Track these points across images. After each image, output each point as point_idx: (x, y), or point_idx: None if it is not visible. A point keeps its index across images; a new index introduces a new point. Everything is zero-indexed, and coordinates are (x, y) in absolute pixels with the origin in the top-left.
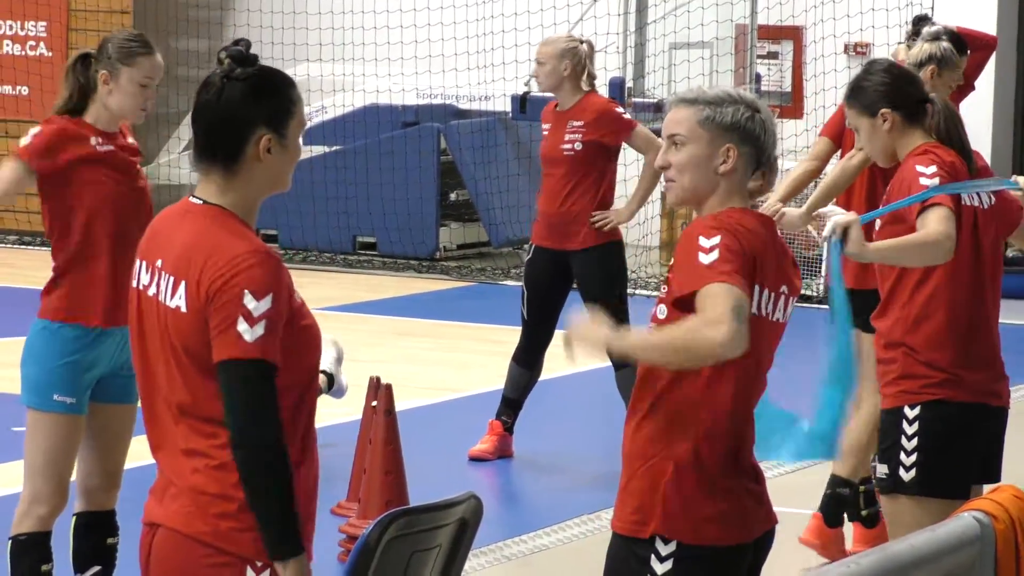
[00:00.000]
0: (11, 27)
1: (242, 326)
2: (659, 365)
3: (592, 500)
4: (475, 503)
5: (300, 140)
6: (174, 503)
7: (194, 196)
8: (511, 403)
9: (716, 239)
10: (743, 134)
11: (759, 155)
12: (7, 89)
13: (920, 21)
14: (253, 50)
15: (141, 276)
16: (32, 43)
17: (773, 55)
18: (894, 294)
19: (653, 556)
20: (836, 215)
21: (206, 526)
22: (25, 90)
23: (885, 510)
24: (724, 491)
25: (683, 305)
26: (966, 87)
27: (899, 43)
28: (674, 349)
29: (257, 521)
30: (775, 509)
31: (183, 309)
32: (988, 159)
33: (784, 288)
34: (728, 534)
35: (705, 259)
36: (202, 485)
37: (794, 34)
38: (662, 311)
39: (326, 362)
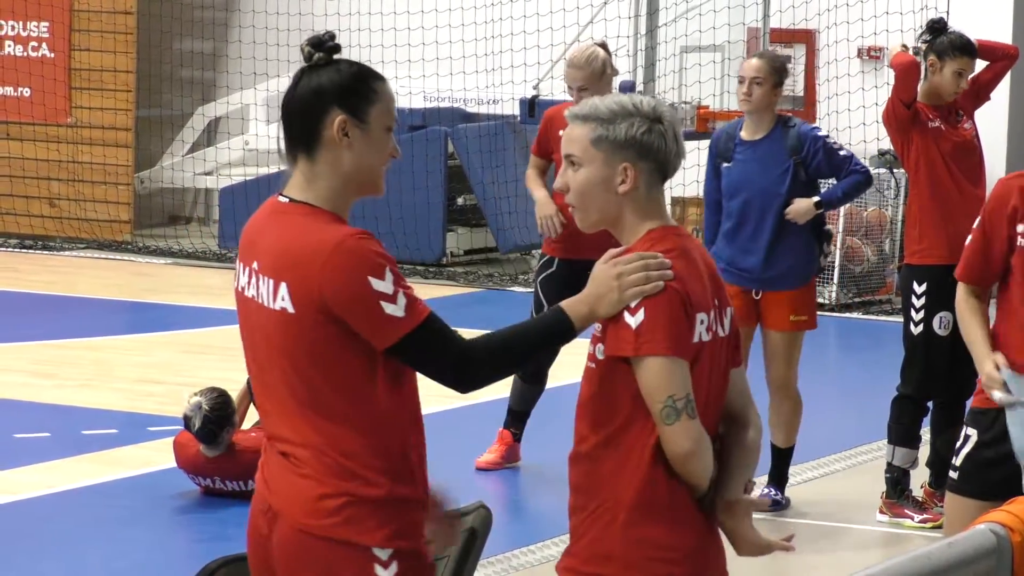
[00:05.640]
0: (13, 27)
1: (388, 308)
2: None
3: None
4: (484, 513)
5: (392, 137)
6: (291, 492)
7: (282, 195)
8: (518, 416)
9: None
10: (640, 149)
11: (663, 168)
12: (9, 91)
13: (935, 24)
14: (257, 53)
15: (240, 278)
16: (34, 44)
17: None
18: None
19: None
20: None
21: (328, 519)
22: (27, 91)
23: None
24: (687, 525)
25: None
26: (982, 97)
27: (912, 46)
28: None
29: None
30: (792, 521)
31: (290, 310)
32: (1003, 170)
33: (716, 301)
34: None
35: (631, 321)
36: (321, 478)
37: (807, 38)
38: (600, 351)
39: None
